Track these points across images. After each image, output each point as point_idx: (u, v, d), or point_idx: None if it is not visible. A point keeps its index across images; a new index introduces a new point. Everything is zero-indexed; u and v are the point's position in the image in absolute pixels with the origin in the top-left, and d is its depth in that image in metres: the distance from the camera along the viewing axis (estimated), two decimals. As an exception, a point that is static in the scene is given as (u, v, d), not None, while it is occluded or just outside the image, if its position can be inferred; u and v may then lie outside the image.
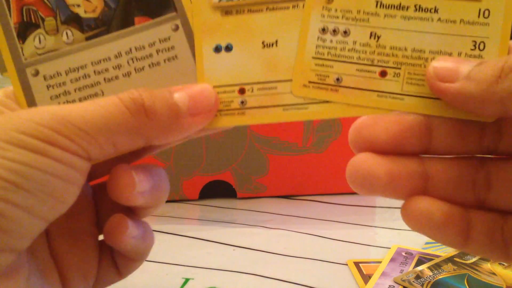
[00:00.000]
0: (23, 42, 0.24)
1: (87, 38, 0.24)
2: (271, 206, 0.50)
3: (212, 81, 0.23)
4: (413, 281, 0.33)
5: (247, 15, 0.23)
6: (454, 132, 0.22)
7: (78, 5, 0.24)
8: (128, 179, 0.23)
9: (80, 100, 0.24)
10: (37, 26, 0.24)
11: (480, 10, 0.22)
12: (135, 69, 0.24)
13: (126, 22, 0.24)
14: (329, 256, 0.39)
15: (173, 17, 0.24)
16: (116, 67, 0.24)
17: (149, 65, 0.24)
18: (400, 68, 0.23)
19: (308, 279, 0.35)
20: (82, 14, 0.24)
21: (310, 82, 0.23)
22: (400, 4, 0.23)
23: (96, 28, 0.24)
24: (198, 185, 0.52)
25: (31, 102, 0.24)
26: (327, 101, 0.23)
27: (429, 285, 0.33)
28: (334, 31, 0.23)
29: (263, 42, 0.23)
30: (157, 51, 0.24)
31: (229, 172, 0.52)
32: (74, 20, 0.24)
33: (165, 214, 0.48)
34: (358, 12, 0.23)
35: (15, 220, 0.19)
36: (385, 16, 0.23)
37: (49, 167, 0.19)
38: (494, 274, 0.34)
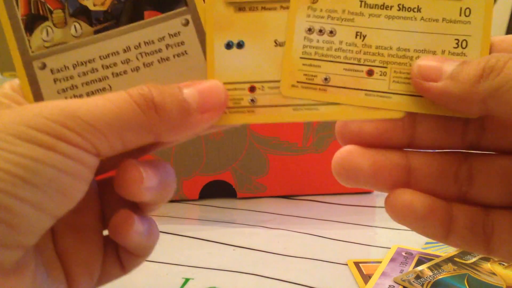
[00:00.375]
0: (30, 34, 0.24)
1: (96, 32, 0.24)
2: (271, 206, 0.50)
3: (222, 77, 0.23)
4: (413, 281, 0.33)
5: (260, 12, 0.23)
6: (438, 126, 0.23)
7: None
8: (136, 174, 0.22)
9: (87, 94, 0.24)
10: (45, 19, 0.24)
11: (461, 8, 0.23)
12: (144, 64, 0.24)
13: (135, 15, 0.24)
14: (329, 256, 0.39)
15: (184, 12, 0.24)
16: (124, 62, 0.23)
17: (158, 60, 0.24)
18: (386, 67, 0.23)
19: (308, 279, 0.35)
20: (91, 6, 0.24)
21: (298, 82, 0.23)
22: (384, 3, 0.23)
23: (105, 21, 0.24)
24: (198, 185, 0.52)
25: (37, 95, 0.24)
26: (337, 103, 0.23)
27: (429, 285, 0.33)
28: (320, 31, 0.23)
29: (275, 41, 0.23)
30: (167, 46, 0.24)
31: (229, 172, 0.52)
32: (82, 13, 0.24)
33: (165, 214, 0.48)
34: (343, 11, 0.23)
35: (22, 216, 0.19)
36: (369, 15, 0.23)
37: (58, 163, 0.19)
38: (494, 274, 0.34)
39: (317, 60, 0.23)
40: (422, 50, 0.23)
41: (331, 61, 0.23)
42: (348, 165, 0.22)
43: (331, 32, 0.23)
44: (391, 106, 0.23)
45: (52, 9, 0.24)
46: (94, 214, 0.26)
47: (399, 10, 0.23)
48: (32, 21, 0.24)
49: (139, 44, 0.23)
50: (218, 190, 0.52)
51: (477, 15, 0.23)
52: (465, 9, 0.23)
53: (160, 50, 0.24)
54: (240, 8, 0.23)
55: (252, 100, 0.23)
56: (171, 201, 0.51)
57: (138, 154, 0.25)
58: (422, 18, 0.23)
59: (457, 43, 0.23)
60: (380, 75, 0.23)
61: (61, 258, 0.25)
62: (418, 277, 0.34)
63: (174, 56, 0.24)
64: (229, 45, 0.23)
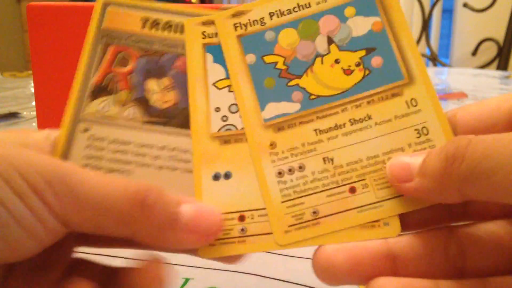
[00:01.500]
0: (91, 100, 0.25)
1: (145, 122, 0.25)
2: (271, 206, 0.50)
3: None
4: (413, 281, 0.33)
5: (245, 144, 0.24)
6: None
7: (154, 92, 0.25)
8: (161, 273, 0.22)
9: (107, 170, 0.25)
10: (109, 93, 0.25)
11: (406, 101, 0.24)
12: (168, 167, 0.25)
13: (184, 123, 0.25)
14: (329, 256, 0.39)
15: None
16: (154, 157, 0.25)
17: (182, 169, 0.25)
18: (365, 179, 0.23)
19: (308, 279, 0.35)
20: (152, 100, 0.25)
21: (290, 226, 0.23)
22: (336, 124, 0.24)
23: (157, 117, 0.25)
24: (198, 185, 0.52)
25: (65, 151, 0.25)
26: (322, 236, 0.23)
27: (429, 285, 0.33)
28: (290, 170, 0.24)
29: None
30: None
31: (229, 172, 0.52)
32: (142, 103, 0.25)
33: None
34: (303, 145, 0.24)
35: None
36: (328, 139, 0.24)
37: (19, 212, 0.19)
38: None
39: (298, 198, 0.23)
40: (390, 151, 0.23)
41: (312, 194, 0.23)
42: (324, 264, 0.21)
43: (300, 167, 0.24)
44: (384, 214, 0.23)
45: (120, 88, 0.25)
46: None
47: (351, 124, 0.24)
48: (99, 91, 0.25)
49: (174, 148, 0.25)
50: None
51: (423, 100, 0.24)
52: (410, 100, 0.24)
53: (188, 161, 0.25)
54: (226, 141, 0.24)
55: (242, 230, 0.23)
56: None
57: (110, 242, 0.24)
58: (376, 123, 0.24)
59: (418, 133, 0.23)
60: (363, 188, 0.23)
61: None
62: (418, 277, 0.34)
63: None
64: (216, 177, 0.24)
